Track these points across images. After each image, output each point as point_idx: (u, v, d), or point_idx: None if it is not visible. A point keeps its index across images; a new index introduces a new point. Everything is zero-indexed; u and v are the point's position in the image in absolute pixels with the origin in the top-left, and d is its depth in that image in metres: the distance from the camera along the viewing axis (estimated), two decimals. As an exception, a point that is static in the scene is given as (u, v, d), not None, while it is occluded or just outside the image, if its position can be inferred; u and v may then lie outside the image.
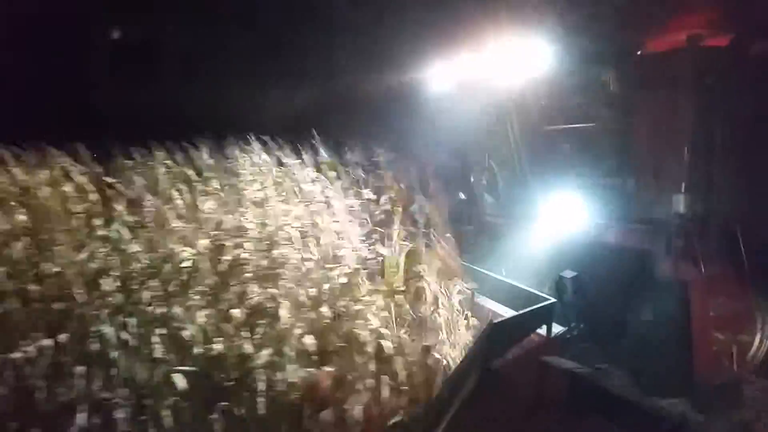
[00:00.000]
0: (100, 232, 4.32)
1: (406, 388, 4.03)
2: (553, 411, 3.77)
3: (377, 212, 4.99)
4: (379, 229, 4.84)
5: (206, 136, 4.96)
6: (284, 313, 4.02)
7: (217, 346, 3.84)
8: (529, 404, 3.88)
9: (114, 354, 3.79)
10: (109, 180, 4.63)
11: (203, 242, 4.32)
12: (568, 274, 4.36)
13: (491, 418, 3.72)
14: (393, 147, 5.35)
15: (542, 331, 4.24)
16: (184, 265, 4.18)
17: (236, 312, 4.00)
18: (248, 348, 3.86)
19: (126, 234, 4.30)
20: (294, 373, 3.84)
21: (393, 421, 3.87)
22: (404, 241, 4.85)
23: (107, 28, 7.43)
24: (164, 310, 3.99)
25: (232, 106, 6.29)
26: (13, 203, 4.38)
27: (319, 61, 7.12)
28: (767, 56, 5.30)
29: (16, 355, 3.67)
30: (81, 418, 3.58)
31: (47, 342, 3.75)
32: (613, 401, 3.44)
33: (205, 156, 4.94)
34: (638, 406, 3.30)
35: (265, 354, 3.85)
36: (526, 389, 3.94)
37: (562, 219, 5.75)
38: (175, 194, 4.62)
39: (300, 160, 4.99)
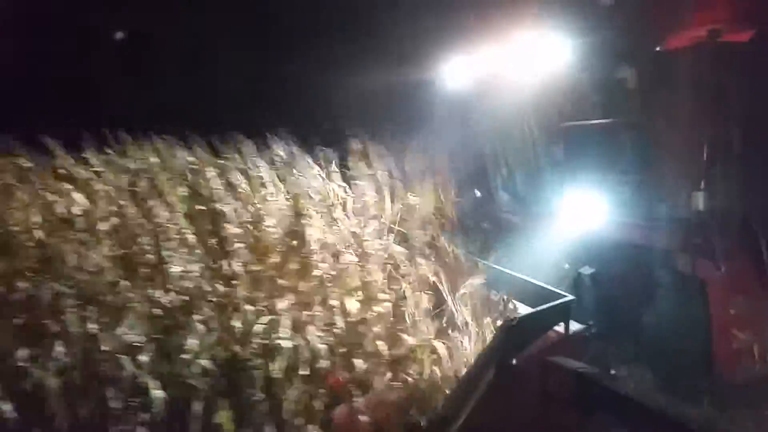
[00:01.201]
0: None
1: (422, 384, 4.03)
2: (565, 411, 3.74)
3: (392, 209, 4.95)
4: (395, 227, 4.81)
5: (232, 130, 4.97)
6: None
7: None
8: (543, 402, 3.86)
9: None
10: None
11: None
12: (587, 270, 4.33)
13: (507, 416, 3.70)
14: (410, 143, 5.33)
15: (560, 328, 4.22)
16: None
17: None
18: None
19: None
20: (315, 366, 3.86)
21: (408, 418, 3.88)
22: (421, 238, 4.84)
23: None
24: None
25: (252, 101, 6.31)
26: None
27: (337, 57, 7.12)
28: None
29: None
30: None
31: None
32: (622, 403, 3.40)
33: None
34: (651, 409, 3.26)
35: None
36: (542, 387, 3.92)
37: (580, 216, 5.71)
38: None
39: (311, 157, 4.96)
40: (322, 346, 3.96)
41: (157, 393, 3.63)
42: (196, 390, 3.71)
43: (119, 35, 8.01)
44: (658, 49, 5.49)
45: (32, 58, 6.91)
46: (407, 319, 4.30)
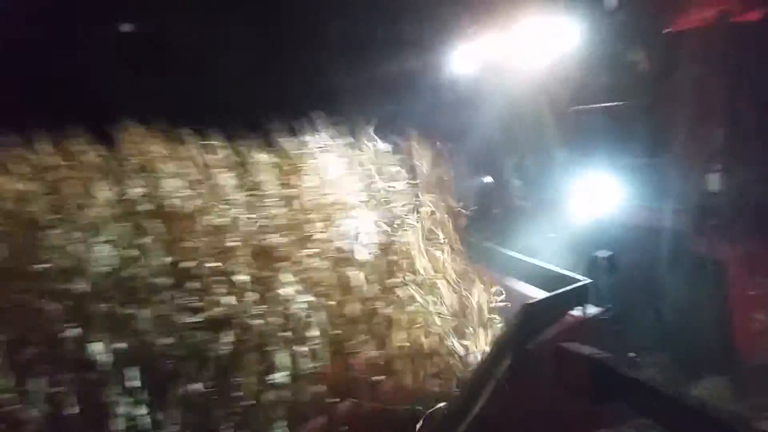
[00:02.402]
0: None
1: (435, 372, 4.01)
2: (582, 398, 3.71)
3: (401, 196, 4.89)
4: (403, 215, 4.75)
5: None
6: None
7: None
8: (561, 389, 3.83)
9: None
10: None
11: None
12: (603, 253, 4.27)
13: (524, 403, 3.68)
14: (419, 129, 5.28)
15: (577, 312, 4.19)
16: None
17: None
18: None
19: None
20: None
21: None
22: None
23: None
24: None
25: (256, 94, 6.30)
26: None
27: (343, 43, 7.10)
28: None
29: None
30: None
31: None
32: (639, 390, 3.37)
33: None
34: (661, 392, 3.22)
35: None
36: (558, 373, 3.90)
37: (593, 200, 5.69)
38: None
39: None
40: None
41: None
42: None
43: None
44: (668, 30, 5.46)
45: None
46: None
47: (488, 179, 7.06)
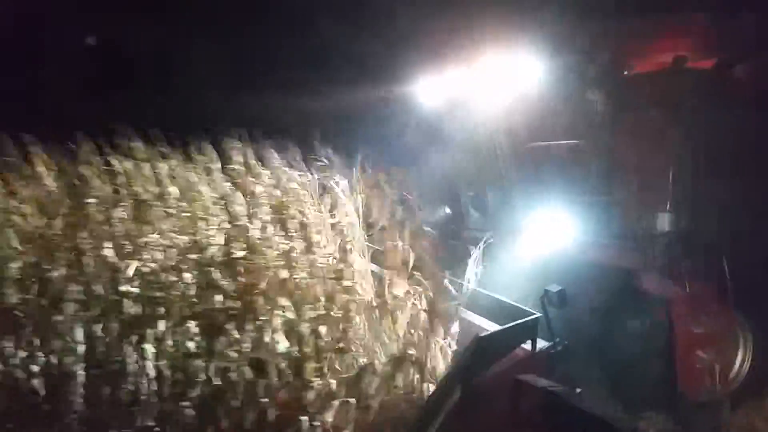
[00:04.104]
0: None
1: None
2: (533, 430, 3.73)
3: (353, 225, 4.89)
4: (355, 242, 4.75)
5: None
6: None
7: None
8: (510, 422, 3.85)
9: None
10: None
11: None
12: (554, 287, 4.33)
13: (475, 433, 3.70)
14: (379, 160, 5.33)
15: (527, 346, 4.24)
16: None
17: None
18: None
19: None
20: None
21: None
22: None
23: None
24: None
25: (217, 111, 6.30)
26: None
27: (306, 72, 7.15)
28: (750, 79, 5.41)
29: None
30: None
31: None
32: (589, 421, 3.41)
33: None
34: (615, 427, 3.27)
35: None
36: (509, 405, 3.92)
37: (547, 234, 5.77)
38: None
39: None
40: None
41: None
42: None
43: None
44: (626, 72, 5.61)
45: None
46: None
47: (446, 210, 7.12)
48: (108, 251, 4.05)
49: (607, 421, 3.32)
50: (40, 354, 3.76)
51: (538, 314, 4.22)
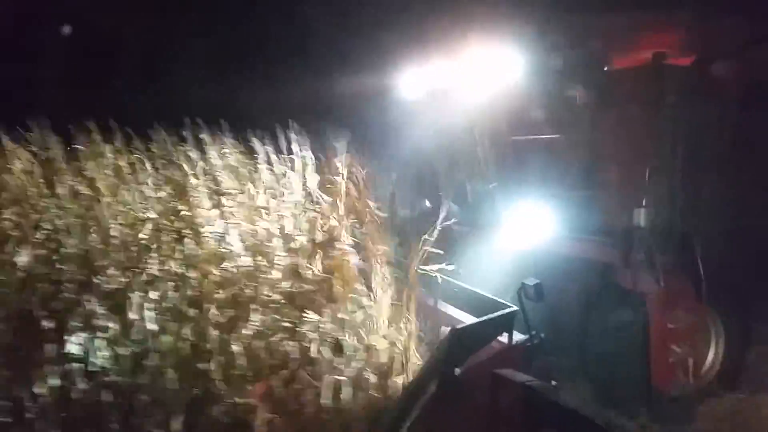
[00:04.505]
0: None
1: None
2: (510, 424, 3.75)
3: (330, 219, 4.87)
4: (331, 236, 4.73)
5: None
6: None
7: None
8: (487, 415, 3.86)
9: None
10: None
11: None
12: (531, 281, 4.33)
13: (452, 426, 3.69)
14: (359, 152, 5.30)
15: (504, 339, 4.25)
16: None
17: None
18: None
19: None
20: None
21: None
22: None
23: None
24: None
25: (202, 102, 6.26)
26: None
27: (288, 63, 7.13)
28: (728, 77, 5.46)
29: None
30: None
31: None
32: (566, 415, 3.43)
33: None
34: (592, 421, 3.29)
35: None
36: (486, 399, 3.92)
37: (526, 228, 5.79)
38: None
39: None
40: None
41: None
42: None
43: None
44: (606, 68, 5.63)
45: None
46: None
47: (427, 204, 7.11)
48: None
49: (583, 415, 3.34)
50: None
51: (515, 307, 4.23)
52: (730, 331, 5.55)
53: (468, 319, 4.50)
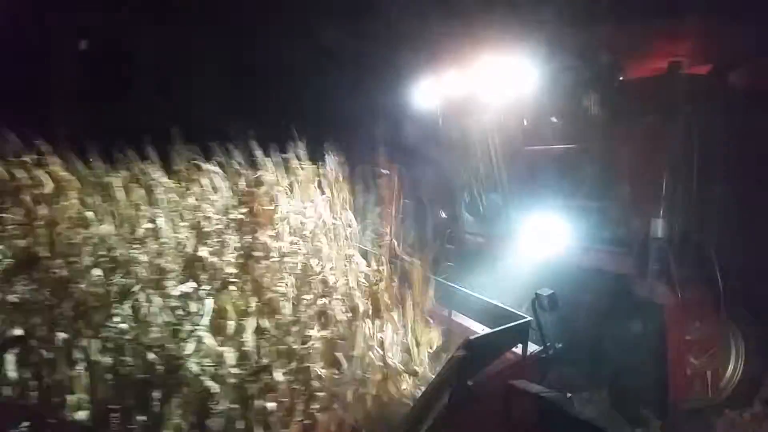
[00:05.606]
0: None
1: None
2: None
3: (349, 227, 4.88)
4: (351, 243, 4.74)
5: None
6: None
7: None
8: (501, 425, 3.84)
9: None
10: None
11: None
12: (545, 291, 4.31)
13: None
14: (374, 162, 5.32)
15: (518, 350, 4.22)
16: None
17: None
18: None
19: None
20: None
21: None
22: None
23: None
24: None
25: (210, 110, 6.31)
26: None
27: (304, 72, 7.17)
28: (744, 85, 5.42)
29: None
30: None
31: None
32: (581, 427, 3.40)
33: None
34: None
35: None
36: (499, 409, 3.90)
37: (541, 239, 5.77)
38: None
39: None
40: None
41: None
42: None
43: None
44: (621, 78, 5.61)
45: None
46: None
47: (443, 214, 7.12)
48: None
49: (597, 427, 3.31)
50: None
51: (529, 318, 4.21)
52: (750, 342, 5.47)
53: (482, 329, 4.49)
